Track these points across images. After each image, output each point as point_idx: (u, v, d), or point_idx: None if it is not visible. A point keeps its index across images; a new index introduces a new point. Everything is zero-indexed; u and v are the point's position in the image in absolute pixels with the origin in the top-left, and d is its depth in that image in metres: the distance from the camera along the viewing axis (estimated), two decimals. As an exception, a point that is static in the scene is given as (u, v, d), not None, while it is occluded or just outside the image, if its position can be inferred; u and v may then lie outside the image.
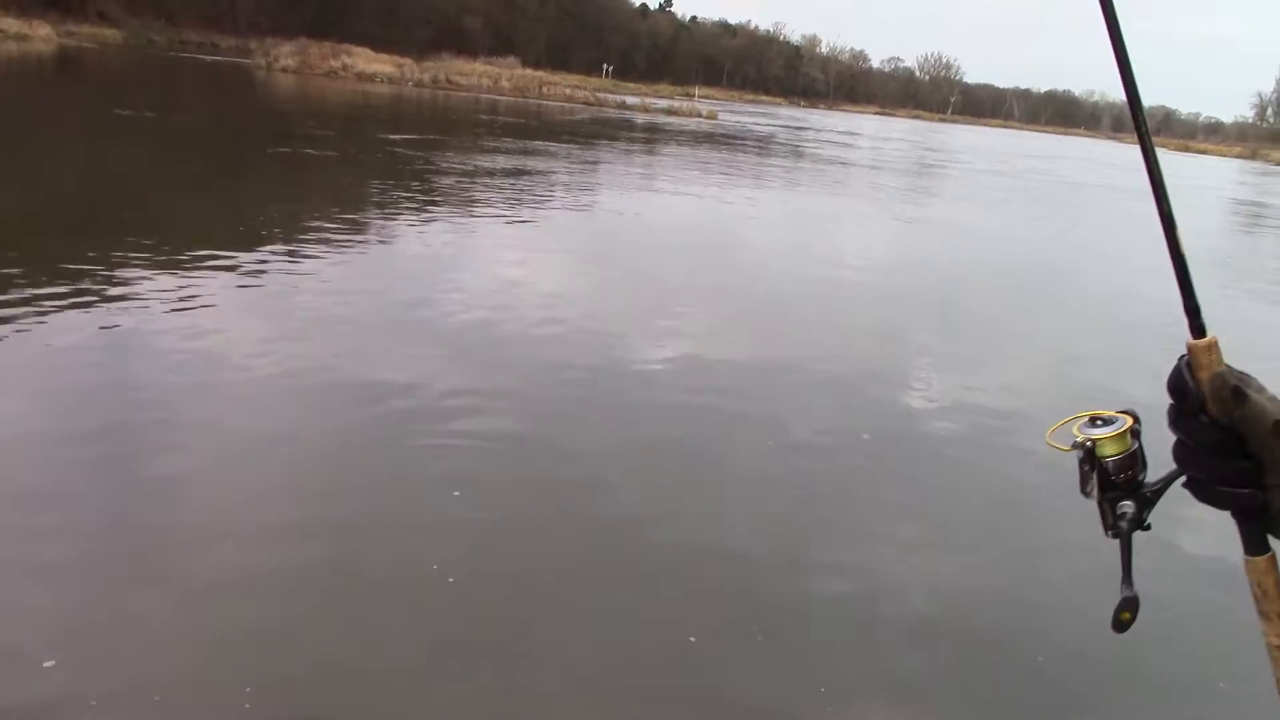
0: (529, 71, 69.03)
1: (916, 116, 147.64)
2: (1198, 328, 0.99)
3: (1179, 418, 0.99)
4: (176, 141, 19.16)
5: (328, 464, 5.01)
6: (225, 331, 6.89)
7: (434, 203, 13.97)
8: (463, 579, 4.01)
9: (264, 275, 8.63)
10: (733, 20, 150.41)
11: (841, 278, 12.13)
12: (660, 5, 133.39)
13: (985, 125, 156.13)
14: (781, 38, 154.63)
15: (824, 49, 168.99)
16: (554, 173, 19.88)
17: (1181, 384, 0.98)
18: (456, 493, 4.76)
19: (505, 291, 9.16)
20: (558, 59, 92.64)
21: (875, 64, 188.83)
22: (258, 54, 52.99)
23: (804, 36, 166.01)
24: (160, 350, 6.36)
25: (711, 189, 20.51)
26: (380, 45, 59.85)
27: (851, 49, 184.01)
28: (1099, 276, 15.00)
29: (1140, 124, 1.04)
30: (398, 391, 6.06)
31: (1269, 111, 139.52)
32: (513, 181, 17.32)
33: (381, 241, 11.05)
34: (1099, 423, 1.06)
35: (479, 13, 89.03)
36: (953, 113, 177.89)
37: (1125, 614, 1.04)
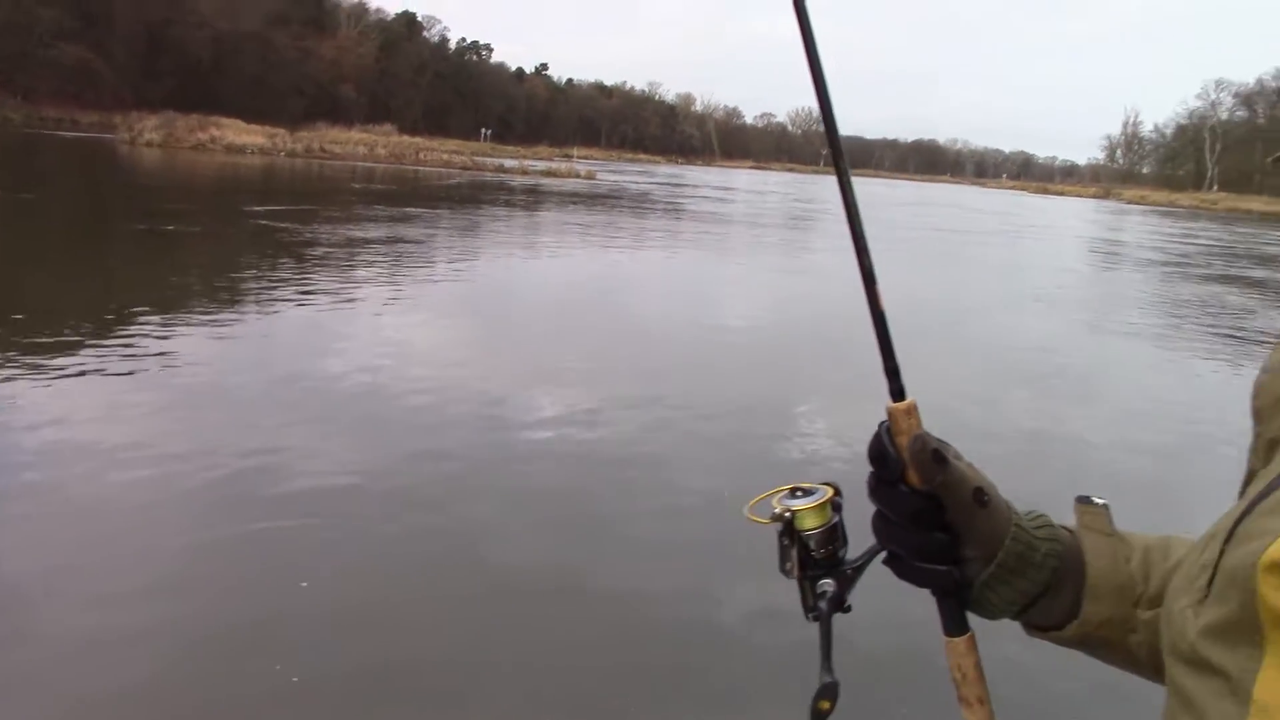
0: (405, 138, 68.82)
1: (791, 169, 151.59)
2: (897, 390, 0.95)
3: (879, 487, 0.94)
4: (22, 220, 18.29)
5: (178, 556, 4.69)
6: (72, 417, 6.48)
7: (305, 275, 13.60)
8: (309, 678, 3.74)
9: (114, 355, 8.19)
10: (609, 81, 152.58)
11: (722, 333, 12.17)
12: (536, 69, 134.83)
13: (857, 175, 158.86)
14: (657, 97, 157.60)
15: (699, 106, 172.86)
16: (429, 239, 19.66)
17: (882, 451, 0.93)
18: (305, 583, 4.48)
19: (380, 362, 8.90)
20: (435, 124, 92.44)
21: (749, 119, 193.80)
22: (121, 128, 51.54)
23: (679, 95, 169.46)
24: (7, 437, 5.93)
25: (590, 248, 20.55)
26: (251, 116, 58.85)
27: (725, 106, 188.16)
28: (958, 322, 15.39)
29: (843, 175, 1.00)
30: (264, 469, 5.76)
31: (1118, 153, 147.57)
32: (387, 249, 17.04)
33: (246, 317, 10.67)
34: (799, 493, 0.99)
35: (353, 80, 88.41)
36: (825, 165, 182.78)
37: (824, 703, 0.94)
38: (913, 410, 0.94)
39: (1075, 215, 59.85)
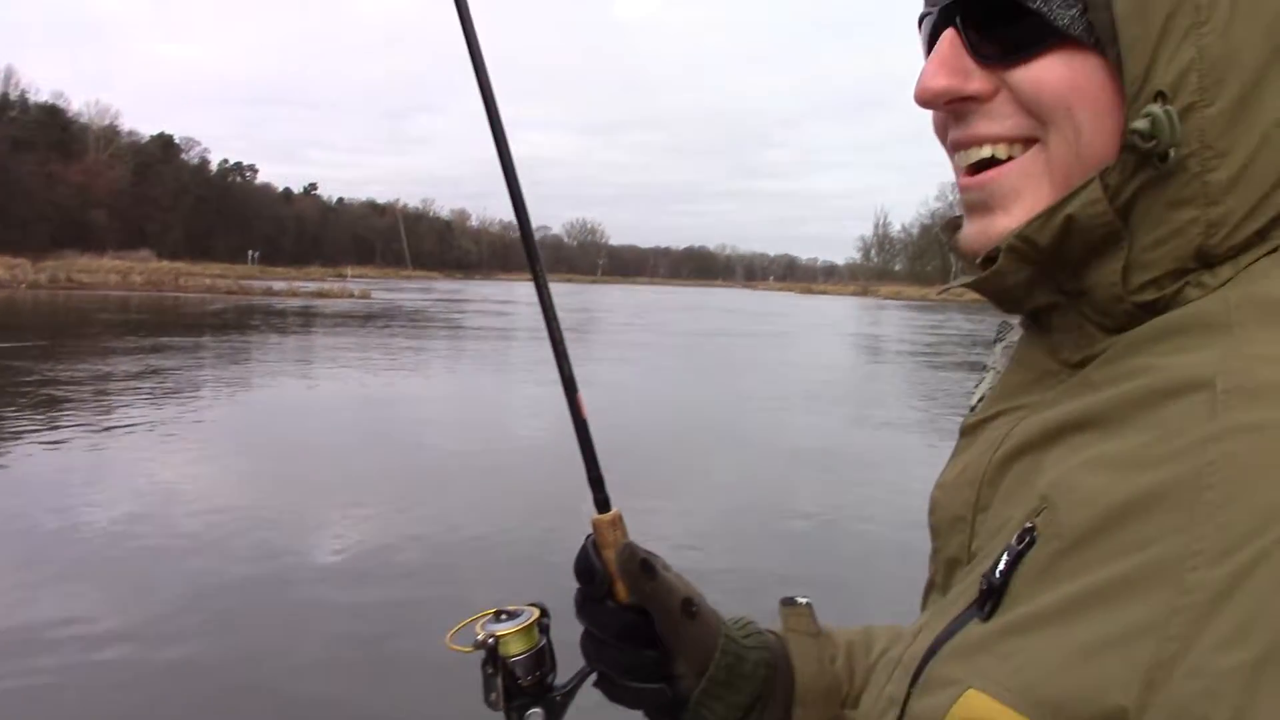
0: (165, 263, 65.86)
1: (569, 279, 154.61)
2: (601, 501, 0.92)
3: (586, 604, 0.90)
4: None
5: None
6: None
7: (48, 418, 12.41)
8: None
9: None
10: (381, 199, 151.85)
11: (502, 449, 11.85)
12: (305, 189, 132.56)
13: (634, 284, 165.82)
14: (432, 213, 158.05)
15: (474, 222, 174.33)
16: (185, 369, 18.50)
17: (588, 565, 0.90)
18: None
19: (137, 506, 8.15)
20: (198, 249, 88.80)
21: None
22: None
23: (454, 211, 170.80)
24: None
25: (362, 370, 19.89)
26: (-11, 247, 54.74)
27: (501, 220, 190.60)
28: (731, 427, 15.72)
29: (539, 279, 0.97)
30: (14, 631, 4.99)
31: (872, 252, 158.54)
32: (137, 384, 15.88)
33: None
34: (504, 616, 0.94)
35: (105, 205, 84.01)
36: (602, 274, 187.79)
37: None
38: (618, 521, 0.91)
39: (838, 313, 63.45)
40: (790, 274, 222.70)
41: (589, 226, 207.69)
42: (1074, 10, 0.60)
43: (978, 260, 0.67)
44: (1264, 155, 0.59)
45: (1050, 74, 0.62)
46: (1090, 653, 0.53)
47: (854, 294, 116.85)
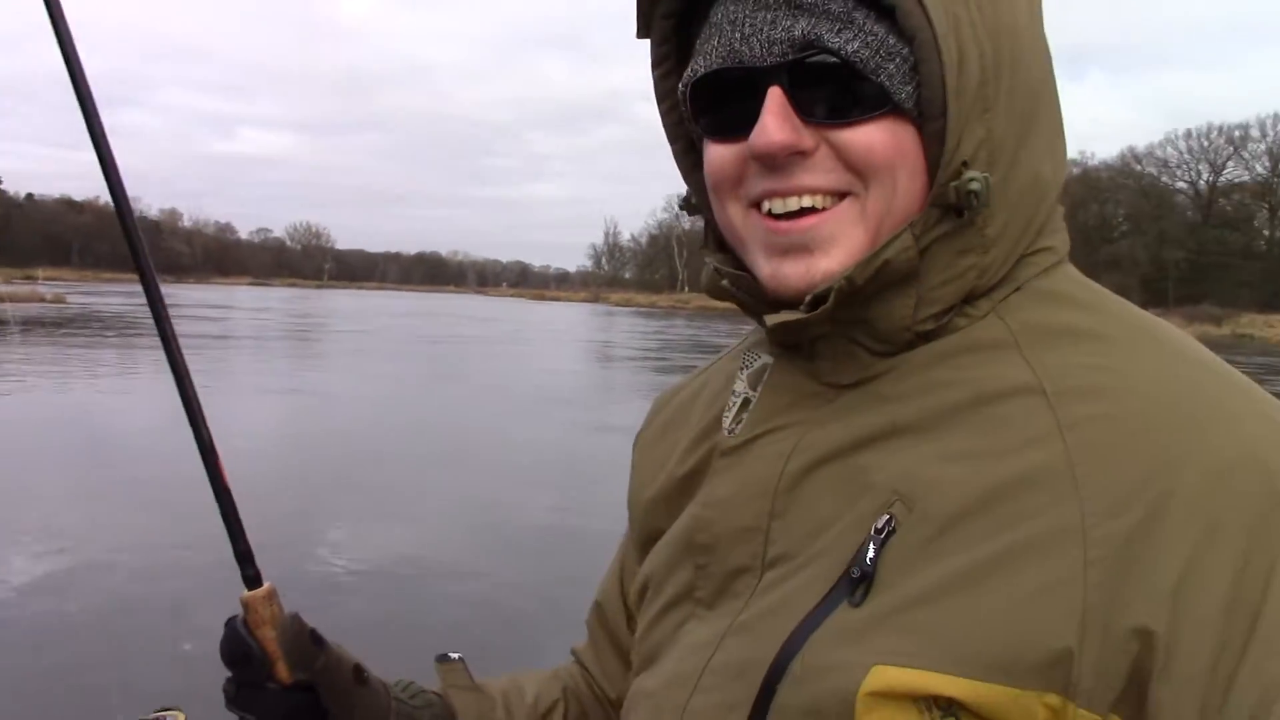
0: None
1: (293, 285, 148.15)
2: (252, 576, 0.86)
3: (243, 691, 0.85)
4: None
5: None
6: None
7: None
8: None
9: None
10: (78, 196, 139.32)
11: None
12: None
13: (362, 289, 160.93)
14: (138, 213, 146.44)
15: (186, 222, 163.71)
16: None
17: (242, 649, 0.84)
18: None
19: None
20: None
21: (244, 235, 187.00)
22: None
23: (162, 210, 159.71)
24: None
25: (46, 379, 17.81)
26: None
27: (217, 221, 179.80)
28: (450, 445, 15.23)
29: (167, 339, 0.90)
30: None
31: (603, 260, 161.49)
32: None
33: None
34: None
35: None
36: (329, 279, 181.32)
37: None
38: (273, 596, 0.84)
39: (570, 319, 64.00)
40: (523, 280, 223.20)
41: (314, 230, 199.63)
42: (910, 86, 0.71)
43: (805, 300, 0.74)
44: (1017, 213, 0.75)
45: (880, 138, 0.71)
46: (1018, 608, 0.64)
47: (586, 300, 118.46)
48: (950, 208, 0.71)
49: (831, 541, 0.73)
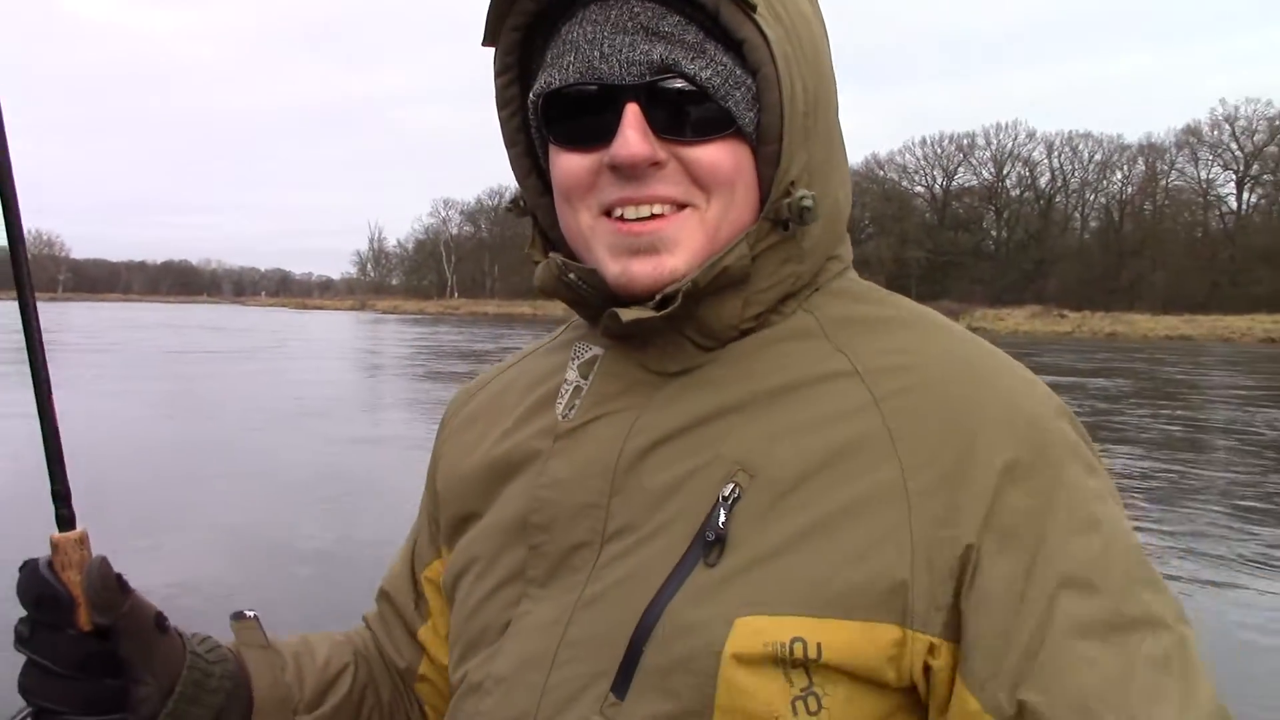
0: None
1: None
2: (64, 518, 0.84)
3: (37, 634, 0.82)
4: None
5: None
6: None
7: None
8: None
9: None
10: None
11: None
12: None
13: (104, 301, 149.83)
14: None
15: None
16: None
17: (47, 590, 0.81)
18: None
19: None
20: None
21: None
22: None
23: None
24: None
25: None
26: None
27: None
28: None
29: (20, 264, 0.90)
30: None
31: (369, 267, 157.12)
32: None
33: None
34: None
35: None
36: (65, 290, 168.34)
37: None
38: (85, 540, 0.83)
39: (337, 328, 61.64)
40: (284, 289, 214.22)
41: (45, 238, 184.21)
42: (752, 112, 0.81)
43: (655, 298, 0.82)
44: (827, 230, 0.88)
45: (724, 157, 0.81)
46: (861, 553, 0.75)
47: (352, 309, 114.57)
48: (779, 221, 0.82)
49: (678, 512, 0.80)
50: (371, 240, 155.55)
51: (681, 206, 0.82)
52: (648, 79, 0.79)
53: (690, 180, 0.81)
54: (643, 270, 0.82)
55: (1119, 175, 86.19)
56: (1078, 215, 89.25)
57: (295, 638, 1.05)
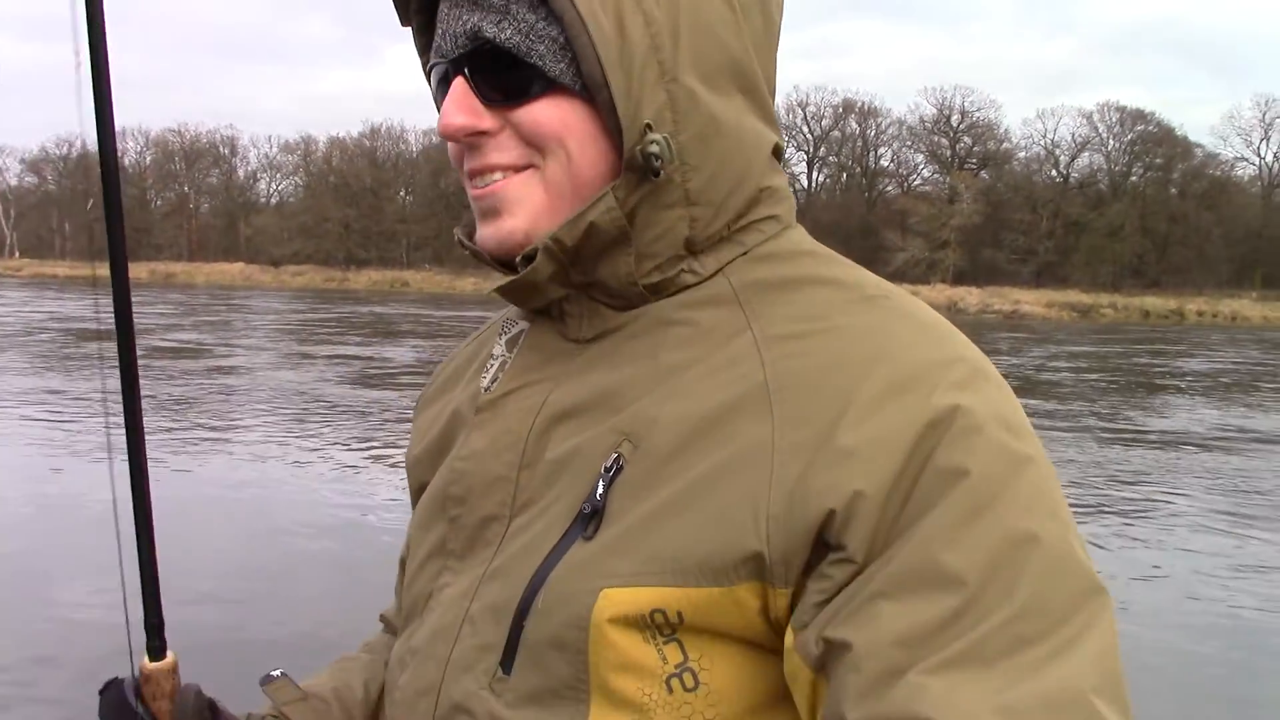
0: None
1: None
2: (158, 647, 0.84)
3: None
4: None
5: None
6: None
7: None
8: None
9: None
10: None
11: None
12: None
13: None
14: None
15: None
16: None
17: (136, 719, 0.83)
18: None
19: None
20: None
21: None
22: None
23: None
24: None
25: None
26: None
27: None
28: None
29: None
30: None
31: None
32: None
33: None
34: None
35: None
36: None
37: None
38: (175, 668, 0.85)
39: None
40: None
41: None
42: (563, 64, 0.77)
43: (518, 259, 0.82)
44: (723, 170, 0.80)
45: (545, 114, 0.78)
46: (719, 517, 0.71)
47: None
48: (645, 169, 0.76)
49: (567, 485, 0.79)
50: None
51: (523, 170, 0.80)
52: (466, 49, 0.79)
53: (523, 143, 0.80)
54: (487, 232, 0.83)
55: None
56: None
57: (327, 673, 1.05)
